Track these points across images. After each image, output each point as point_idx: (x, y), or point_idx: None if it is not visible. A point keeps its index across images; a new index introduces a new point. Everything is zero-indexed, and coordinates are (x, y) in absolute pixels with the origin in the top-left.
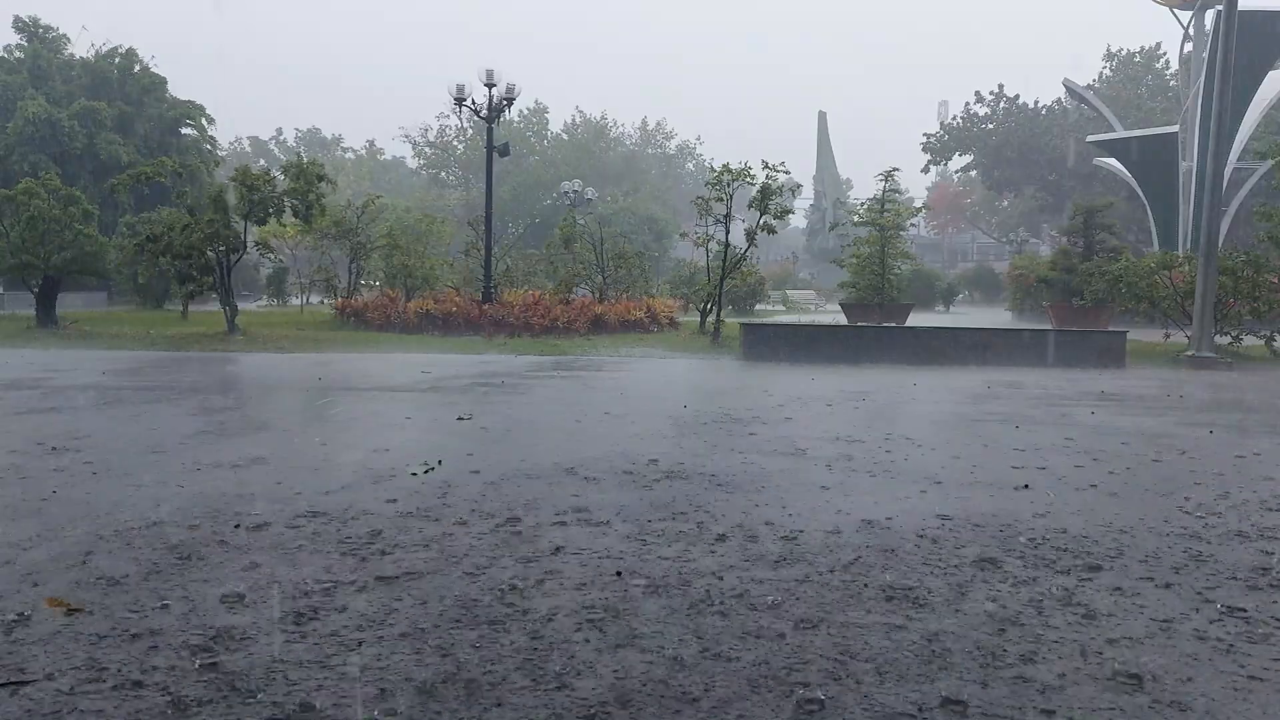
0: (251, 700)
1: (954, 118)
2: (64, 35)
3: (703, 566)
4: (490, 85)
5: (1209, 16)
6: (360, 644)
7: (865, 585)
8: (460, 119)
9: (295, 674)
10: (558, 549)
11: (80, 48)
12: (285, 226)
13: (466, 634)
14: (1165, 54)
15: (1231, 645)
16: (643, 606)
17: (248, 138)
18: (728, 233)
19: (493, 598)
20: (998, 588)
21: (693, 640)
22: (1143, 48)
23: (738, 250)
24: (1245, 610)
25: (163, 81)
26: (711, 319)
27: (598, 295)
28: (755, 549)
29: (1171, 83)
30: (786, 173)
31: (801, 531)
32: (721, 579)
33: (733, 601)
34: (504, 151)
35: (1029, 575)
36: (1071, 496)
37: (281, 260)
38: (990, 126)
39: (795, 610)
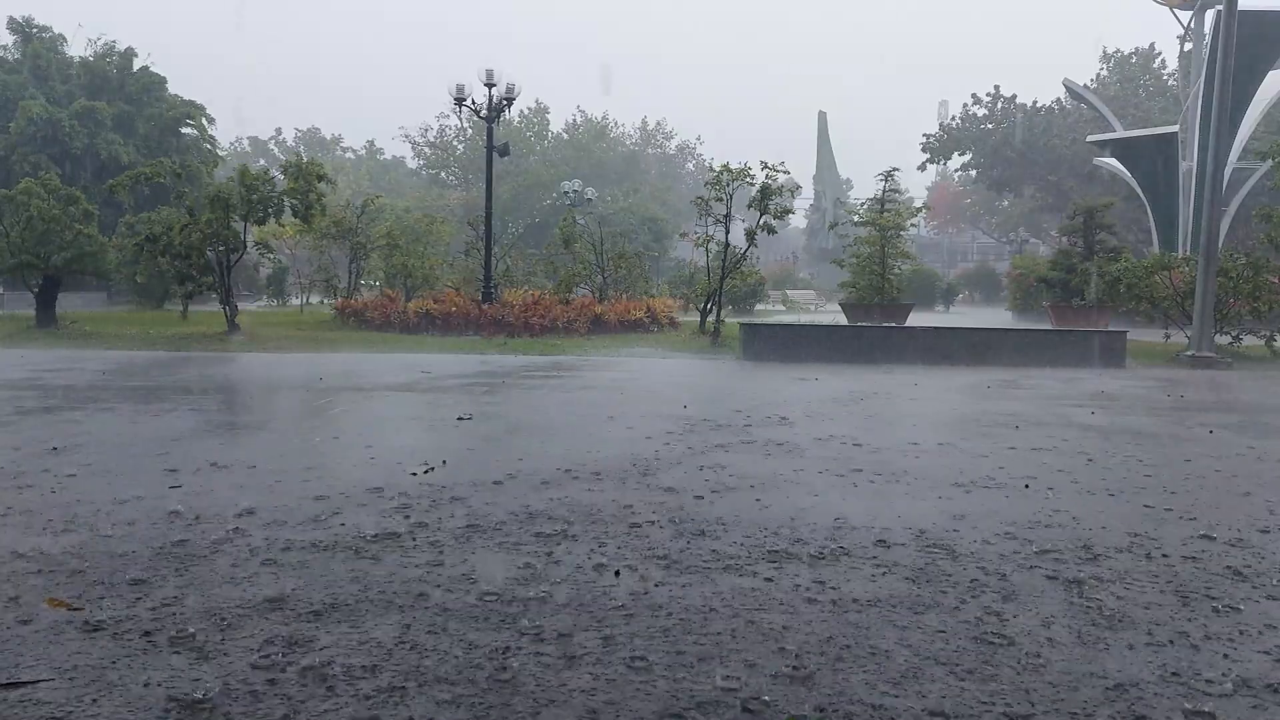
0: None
1: (953, 118)
2: (60, 35)
3: (711, 572)
4: (490, 85)
5: (1209, 16)
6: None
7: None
8: (460, 119)
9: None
10: (559, 552)
11: (77, 46)
12: (284, 226)
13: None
14: (1161, 54)
15: None
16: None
17: (248, 138)
18: (728, 233)
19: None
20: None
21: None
22: (1138, 48)
23: (738, 250)
24: None
25: (162, 81)
26: (711, 319)
27: (598, 295)
28: (762, 552)
29: (1170, 83)
30: (786, 173)
31: (805, 533)
32: (726, 582)
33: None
34: (504, 151)
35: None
36: (1071, 496)
37: (281, 260)
38: (989, 127)
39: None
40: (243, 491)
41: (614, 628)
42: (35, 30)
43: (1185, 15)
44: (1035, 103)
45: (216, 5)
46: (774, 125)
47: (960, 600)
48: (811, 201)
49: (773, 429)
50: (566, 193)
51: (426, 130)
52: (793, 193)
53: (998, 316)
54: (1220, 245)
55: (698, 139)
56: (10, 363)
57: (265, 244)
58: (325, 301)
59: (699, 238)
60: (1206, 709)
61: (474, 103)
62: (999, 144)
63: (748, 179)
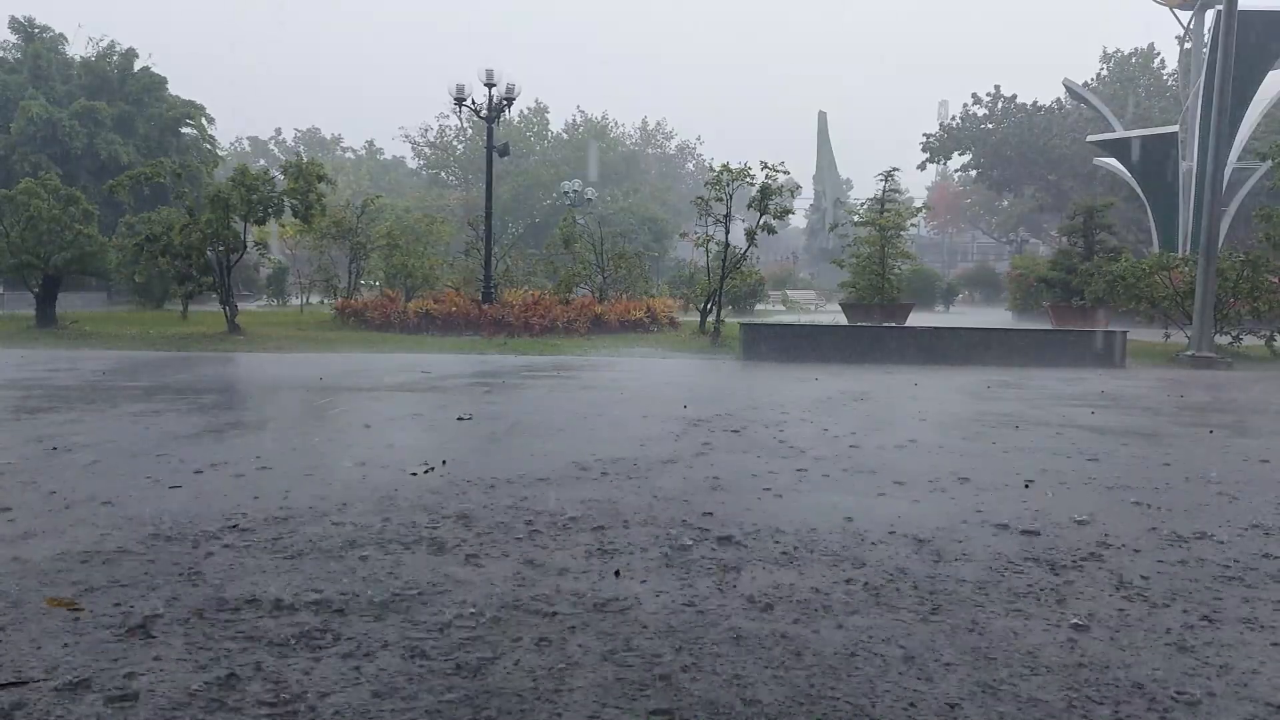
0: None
1: (953, 118)
2: (61, 34)
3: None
4: (490, 85)
5: (1209, 16)
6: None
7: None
8: (460, 119)
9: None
10: (559, 558)
11: (78, 45)
12: (284, 226)
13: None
14: (1161, 54)
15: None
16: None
17: (248, 138)
18: (727, 233)
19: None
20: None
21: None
22: (1137, 49)
23: (738, 250)
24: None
25: (162, 81)
26: (711, 319)
27: (598, 295)
28: (762, 552)
29: (1169, 82)
30: (786, 173)
31: (805, 534)
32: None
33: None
34: (504, 151)
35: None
36: (1070, 496)
37: (280, 261)
38: (989, 127)
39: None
40: (242, 492)
41: (612, 626)
42: (36, 30)
43: (1185, 15)
44: (1035, 103)
45: (216, 5)
46: (774, 125)
47: (959, 604)
48: (811, 201)
49: (773, 429)
50: (566, 193)
51: (426, 130)
52: (793, 193)
53: (998, 316)
54: (1220, 245)
55: (698, 139)
56: (10, 363)
57: (265, 244)
58: (325, 301)
59: (699, 238)
60: None
61: (474, 103)
62: (999, 144)
63: (748, 179)
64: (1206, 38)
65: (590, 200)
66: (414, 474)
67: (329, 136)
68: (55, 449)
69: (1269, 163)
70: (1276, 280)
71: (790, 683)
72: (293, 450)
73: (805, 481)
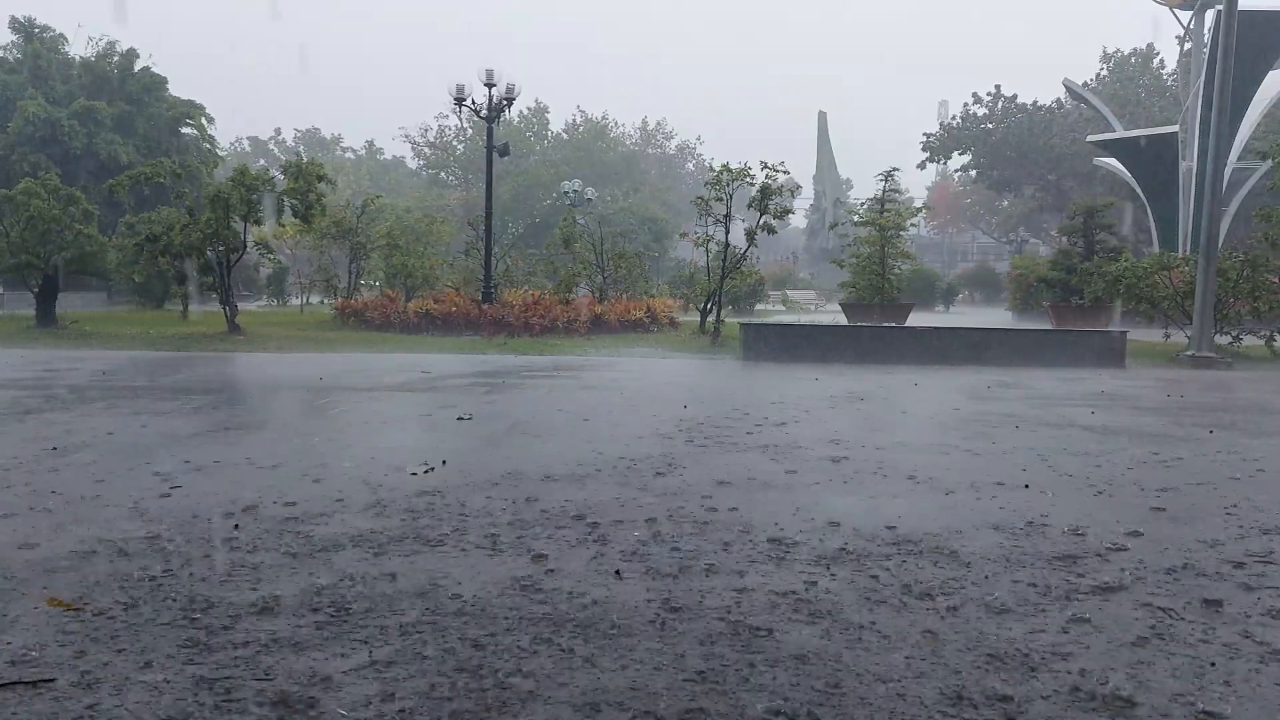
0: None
1: (953, 118)
2: (61, 34)
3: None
4: (490, 85)
5: (1209, 16)
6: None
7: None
8: (460, 119)
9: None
10: (551, 556)
11: (79, 45)
12: (284, 226)
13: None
14: (1160, 54)
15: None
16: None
17: (248, 138)
18: (727, 233)
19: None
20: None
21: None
22: (1136, 49)
23: (738, 250)
24: None
25: (162, 81)
26: (711, 319)
27: (598, 295)
28: (762, 552)
29: (1169, 82)
30: (786, 173)
31: (805, 535)
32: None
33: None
34: (504, 151)
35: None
36: (1069, 497)
37: (280, 260)
38: (989, 126)
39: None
40: (242, 491)
41: (612, 627)
42: (36, 30)
43: (1185, 15)
44: (1035, 103)
45: (216, 5)
46: (774, 125)
47: (955, 606)
48: (811, 201)
49: (773, 429)
50: (566, 193)
51: (426, 130)
52: (793, 193)
53: (998, 316)
54: (1220, 245)
55: (698, 139)
56: (10, 363)
57: (265, 244)
58: (325, 301)
59: (699, 238)
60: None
61: (474, 103)
62: (999, 144)
63: (748, 179)
64: (1206, 38)
65: (590, 200)
66: (414, 474)
67: (329, 136)
68: (55, 448)
69: (1269, 163)
70: (1276, 280)
71: (792, 681)
72: (293, 450)
73: (806, 481)
